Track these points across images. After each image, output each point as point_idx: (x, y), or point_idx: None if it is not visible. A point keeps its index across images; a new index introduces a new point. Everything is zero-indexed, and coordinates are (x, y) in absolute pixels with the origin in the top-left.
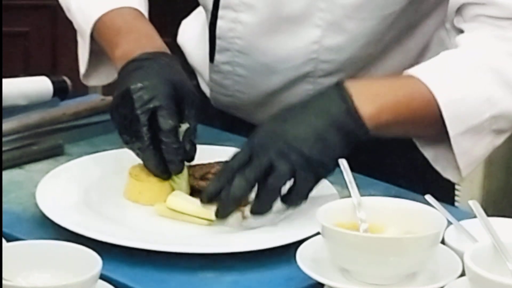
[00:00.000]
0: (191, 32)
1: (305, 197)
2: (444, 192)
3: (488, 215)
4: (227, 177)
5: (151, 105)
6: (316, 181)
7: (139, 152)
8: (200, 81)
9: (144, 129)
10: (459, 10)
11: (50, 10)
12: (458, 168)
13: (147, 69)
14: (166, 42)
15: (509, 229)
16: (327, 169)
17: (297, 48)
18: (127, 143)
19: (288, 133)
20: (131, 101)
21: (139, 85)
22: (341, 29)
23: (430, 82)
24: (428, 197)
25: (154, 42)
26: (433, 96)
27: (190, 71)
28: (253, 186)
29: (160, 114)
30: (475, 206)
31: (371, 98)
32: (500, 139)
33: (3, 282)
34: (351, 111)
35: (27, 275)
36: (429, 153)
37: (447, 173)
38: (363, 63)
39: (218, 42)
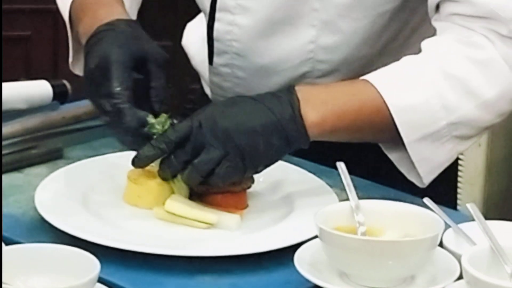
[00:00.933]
0: (195, 35)
1: (224, 182)
2: (446, 195)
3: (490, 218)
4: (163, 149)
5: (105, 87)
6: (241, 175)
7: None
8: (203, 84)
9: (104, 104)
10: (437, 8)
11: (51, 14)
12: (410, 173)
13: (102, 43)
14: (168, 46)
15: (507, 232)
16: (255, 167)
17: (294, 48)
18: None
19: (231, 121)
20: (89, 85)
21: (92, 67)
22: (335, 28)
23: (383, 88)
24: (426, 200)
25: (112, 11)
26: (385, 103)
27: (194, 74)
28: (182, 165)
29: (110, 77)
30: (473, 209)
31: (318, 105)
32: (465, 145)
33: (3, 285)
34: (296, 118)
35: (26, 278)
36: (393, 156)
37: (411, 177)
38: (360, 63)
39: (216, 44)
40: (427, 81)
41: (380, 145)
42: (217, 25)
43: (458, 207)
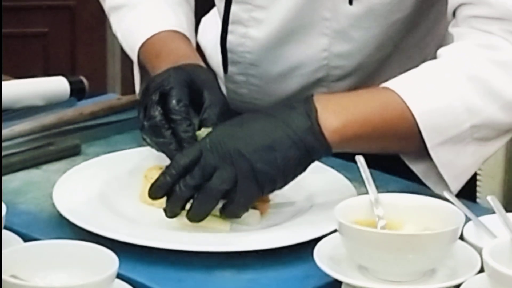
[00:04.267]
0: (210, 33)
1: (245, 208)
2: (464, 187)
3: (510, 211)
4: (173, 175)
5: (164, 87)
6: (260, 193)
7: (156, 139)
8: (220, 84)
9: (156, 108)
10: (454, 12)
11: (69, 11)
12: (442, 181)
13: (173, 73)
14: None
15: None
16: (273, 183)
17: (307, 56)
18: (145, 134)
19: (241, 139)
20: (147, 91)
21: (158, 78)
22: (347, 37)
23: (405, 94)
24: (446, 193)
25: (191, 60)
26: (408, 108)
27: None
28: (195, 190)
29: (170, 94)
30: (494, 201)
31: (338, 112)
32: (488, 149)
33: (21, 282)
34: (313, 127)
35: (45, 275)
36: (418, 168)
37: (439, 190)
38: (376, 65)
39: (229, 55)
40: (449, 84)
41: (404, 158)
42: (230, 37)
43: (478, 200)
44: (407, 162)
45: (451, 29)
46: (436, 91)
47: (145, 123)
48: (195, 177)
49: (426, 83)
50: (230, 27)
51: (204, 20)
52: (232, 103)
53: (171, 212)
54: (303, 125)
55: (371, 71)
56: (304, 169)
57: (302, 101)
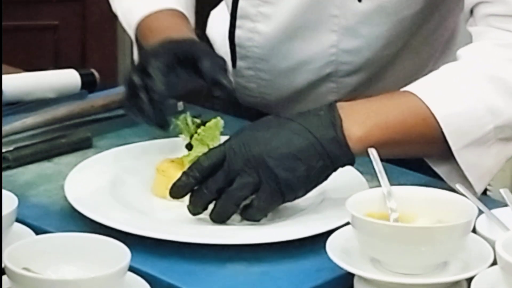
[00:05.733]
0: (219, 26)
1: (265, 214)
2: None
3: None
4: (196, 177)
5: (148, 56)
6: (281, 201)
7: (132, 101)
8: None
9: (134, 72)
10: (472, 11)
11: (79, 3)
12: (463, 183)
13: (160, 43)
14: (196, 34)
15: None
16: (294, 192)
17: (316, 52)
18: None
19: (266, 145)
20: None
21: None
22: (356, 34)
23: (427, 98)
24: (459, 186)
25: (185, 34)
26: (431, 112)
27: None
28: (217, 193)
29: (151, 60)
30: (507, 194)
31: (361, 120)
32: (511, 148)
33: (33, 275)
34: (338, 138)
35: (57, 268)
36: (442, 170)
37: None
38: (384, 61)
39: (238, 49)
40: (471, 86)
41: (428, 161)
42: (238, 32)
43: (490, 193)
44: (430, 164)
45: (469, 28)
46: (458, 94)
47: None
48: (218, 181)
49: (448, 86)
50: (238, 22)
51: (213, 13)
52: (241, 98)
53: (193, 213)
54: (328, 135)
55: (380, 67)
56: (326, 178)
57: (325, 108)
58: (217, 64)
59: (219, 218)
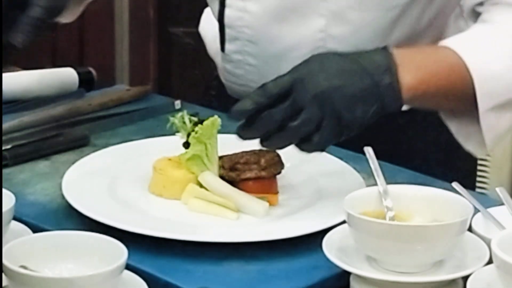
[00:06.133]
0: (210, 23)
1: (322, 150)
2: (465, 178)
3: None
4: (260, 103)
5: None
6: (337, 140)
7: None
8: (219, 72)
9: None
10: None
11: None
12: (481, 143)
13: None
14: (194, 32)
15: None
16: (350, 133)
17: (304, 37)
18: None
19: (332, 82)
20: None
21: None
22: (345, 19)
23: (467, 58)
24: (455, 184)
25: None
26: (469, 72)
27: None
28: (279, 124)
29: None
30: (503, 193)
31: (414, 69)
32: None
33: (30, 273)
34: (394, 85)
35: (54, 266)
36: (452, 124)
37: (468, 146)
38: None
39: (227, 31)
40: (505, 49)
41: (441, 114)
42: (228, 12)
43: (487, 192)
44: (442, 117)
45: (478, 8)
46: (495, 55)
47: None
48: (282, 113)
49: (485, 46)
50: (228, 1)
51: (206, 11)
52: (229, 87)
53: (244, 137)
54: (385, 80)
55: None
56: (371, 123)
57: (382, 53)
58: None
59: (271, 147)
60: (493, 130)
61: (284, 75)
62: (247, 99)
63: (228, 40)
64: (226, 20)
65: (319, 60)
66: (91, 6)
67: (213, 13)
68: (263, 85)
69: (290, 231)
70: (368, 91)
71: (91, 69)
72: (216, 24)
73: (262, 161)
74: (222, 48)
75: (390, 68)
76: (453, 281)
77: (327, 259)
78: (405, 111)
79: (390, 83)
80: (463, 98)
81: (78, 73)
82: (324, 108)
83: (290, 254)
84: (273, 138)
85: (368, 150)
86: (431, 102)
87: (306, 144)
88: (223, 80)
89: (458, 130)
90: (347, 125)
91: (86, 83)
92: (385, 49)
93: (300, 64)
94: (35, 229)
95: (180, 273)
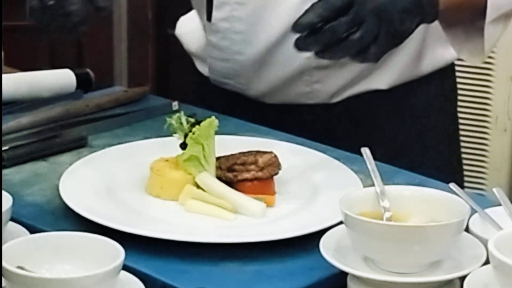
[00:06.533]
0: (189, 25)
1: (377, 60)
2: (462, 179)
3: None
4: (322, 15)
5: None
6: (388, 50)
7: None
8: (197, 65)
9: None
10: None
11: None
12: (473, 51)
13: None
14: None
15: None
16: (400, 44)
17: None
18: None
19: None
20: None
21: None
22: None
23: None
24: (452, 185)
25: None
26: None
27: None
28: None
29: None
30: (500, 193)
31: None
32: (508, 24)
33: (27, 273)
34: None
35: (51, 266)
36: (449, 33)
37: (462, 54)
38: None
39: None
40: None
41: (442, 24)
42: None
43: (484, 192)
44: (440, 25)
45: None
46: None
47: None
48: (345, 25)
49: None
50: None
51: (183, 18)
52: (212, 65)
53: (303, 49)
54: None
55: None
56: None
57: None
58: None
59: (328, 58)
60: (491, 39)
61: None
62: (311, 12)
63: (216, 7)
64: None
65: None
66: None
67: None
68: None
69: (287, 232)
70: (414, 3)
71: (89, 70)
72: (197, 26)
73: (259, 162)
74: (209, 18)
75: None
76: (450, 281)
77: (324, 260)
78: (404, 111)
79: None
80: (474, 10)
81: (76, 75)
82: (382, 21)
83: (287, 255)
84: (332, 50)
85: (366, 151)
86: (455, 14)
87: (362, 55)
88: (203, 70)
89: (455, 39)
90: (398, 36)
91: (84, 84)
92: None
93: None
94: (33, 230)
95: (177, 274)
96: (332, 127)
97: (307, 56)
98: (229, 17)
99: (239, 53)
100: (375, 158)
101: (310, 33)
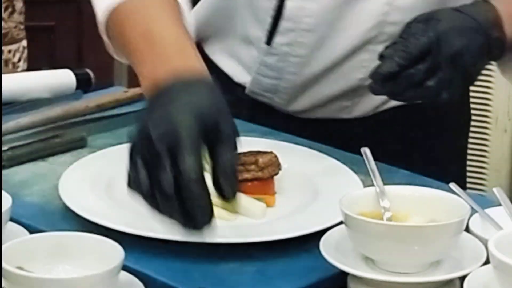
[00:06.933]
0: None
1: (451, 103)
2: (462, 180)
3: None
4: (401, 64)
5: (172, 139)
6: (460, 93)
7: (162, 204)
8: (234, 75)
9: (165, 163)
10: None
11: (75, 4)
12: None
13: (175, 103)
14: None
15: None
16: (470, 85)
17: (367, 12)
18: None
19: (464, 42)
20: (148, 137)
21: (159, 120)
22: None
23: None
24: (452, 185)
25: (187, 59)
26: None
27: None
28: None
29: (182, 153)
30: (500, 193)
31: (509, 22)
32: None
33: (27, 274)
34: (501, 37)
35: (51, 267)
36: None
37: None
38: None
39: (283, 24)
40: None
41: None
42: (289, 4)
43: (484, 193)
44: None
45: None
46: None
47: (147, 183)
48: (421, 72)
49: None
50: None
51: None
52: (257, 79)
53: (376, 94)
54: (495, 35)
55: None
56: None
57: (489, 8)
58: (232, 157)
59: (401, 100)
60: None
61: (421, 34)
62: (390, 61)
63: (281, 33)
64: (287, 12)
65: (447, 18)
66: (89, 8)
67: (254, 10)
68: (403, 45)
69: (287, 232)
70: (484, 46)
71: (88, 70)
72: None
73: (260, 162)
74: (269, 42)
75: (498, 22)
76: (450, 281)
77: (325, 260)
78: (403, 111)
79: (498, 37)
80: None
81: (76, 75)
82: (457, 66)
83: (288, 255)
84: (406, 94)
85: (365, 151)
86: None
87: (435, 98)
88: (253, 74)
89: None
90: (470, 79)
91: (84, 84)
92: (487, 2)
93: (429, 22)
94: (32, 230)
95: (177, 274)
96: (359, 138)
97: (361, 77)
98: (293, 42)
99: (294, 73)
100: (375, 159)
101: (386, 79)
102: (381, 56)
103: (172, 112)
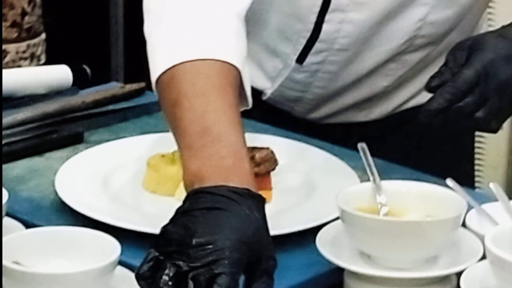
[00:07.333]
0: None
1: (497, 131)
2: (464, 178)
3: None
4: (451, 100)
5: (213, 270)
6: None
7: None
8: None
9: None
10: None
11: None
12: None
13: (221, 218)
14: None
15: None
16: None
17: (402, 28)
18: None
19: (507, 71)
20: (186, 255)
21: (203, 240)
22: (451, 2)
23: None
24: (449, 181)
25: (239, 168)
26: None
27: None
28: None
29: (219, 283)
30: (496, 189)
31: None
32: None
33: (23, 268)
34: None
35: (47, 261)
36: None
37: None
38: (456, 35)
39: (317, 45)
40: None
41: None
42: (326, 27)
43: (481, 189)
44: None
45: None
46: None
47: None
48: (470, 105)
49: None
50: (327, 17)
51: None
52: (281, 91)
53: (426, 126)
54: None
55: (448, 42)
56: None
57: None
58: None
59: (450, 128)
60: None
61: (469, 67)
62: (439, 97)
63: (314, 53)
64: (323, 35)
65: (491, 46)
66: (85, 3)
67: (286, 29)
68: (450, 80)
69: (284, 228)
70: None
71: (85, 66)
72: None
73: (256, 157)
74: (300, 61)
75: None
76: (447, 277)
77: (321, 255)
78: (414, 113)
79: None
80: None
81: (72, 70)
82: (504, 96)
83: (284, 251)
84: (458, 125)
85: (362, 146)
86: None
87: (485, 128)
88: (278, 86)
89: None
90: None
91: (80, 80)
92: None
93: (474, 51)
94: (28, 225)
95: None
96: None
97: (386, 85)
98: (325, 60)
99: (321, 87)
100: (372, 154)
101: (436, 113)
102: (429, 88)
103: (219, 234)
